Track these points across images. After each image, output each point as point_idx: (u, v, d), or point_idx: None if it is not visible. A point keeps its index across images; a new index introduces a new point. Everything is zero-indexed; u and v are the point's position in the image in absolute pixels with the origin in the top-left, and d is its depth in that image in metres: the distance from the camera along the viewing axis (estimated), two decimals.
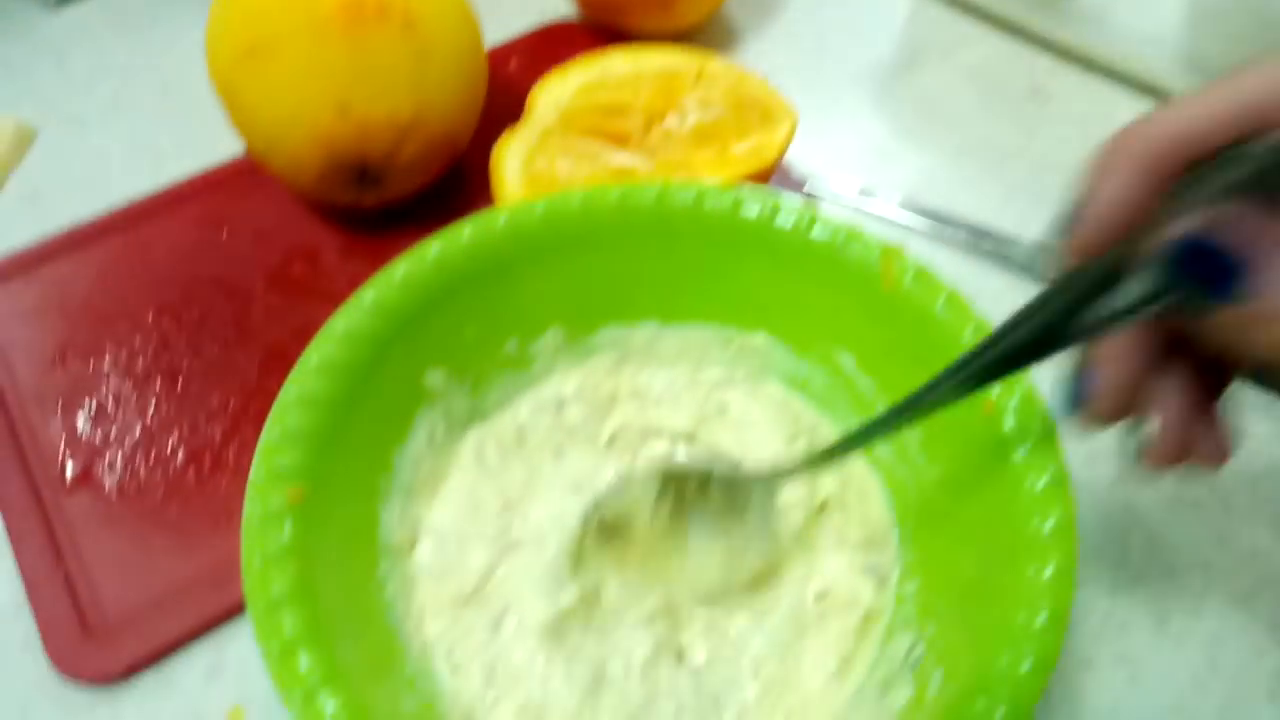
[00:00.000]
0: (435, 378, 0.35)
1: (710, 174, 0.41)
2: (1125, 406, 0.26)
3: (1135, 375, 0.25)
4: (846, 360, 0.36)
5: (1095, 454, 0.40)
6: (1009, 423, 0.30)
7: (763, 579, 0.34)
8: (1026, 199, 0.50)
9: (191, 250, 0.47)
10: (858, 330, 0.35)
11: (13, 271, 0.46)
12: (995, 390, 0.31)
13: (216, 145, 0.52)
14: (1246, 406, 0.33)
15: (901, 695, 0.30)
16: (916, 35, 0.59)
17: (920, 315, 0.33)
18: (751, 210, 0.35)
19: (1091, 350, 0.26)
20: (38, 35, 0.60)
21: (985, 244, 0.46)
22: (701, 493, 0.34)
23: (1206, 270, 0.21)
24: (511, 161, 0.42)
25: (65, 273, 0.46)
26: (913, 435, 0.34)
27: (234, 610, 0.36)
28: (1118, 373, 0.25)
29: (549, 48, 0.55)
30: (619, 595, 0.33)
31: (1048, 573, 0.27)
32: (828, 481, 0.36)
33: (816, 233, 0.34)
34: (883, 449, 0.36)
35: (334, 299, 0.44)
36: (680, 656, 0.32)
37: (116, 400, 0.41)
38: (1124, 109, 0.54)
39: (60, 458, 0.40)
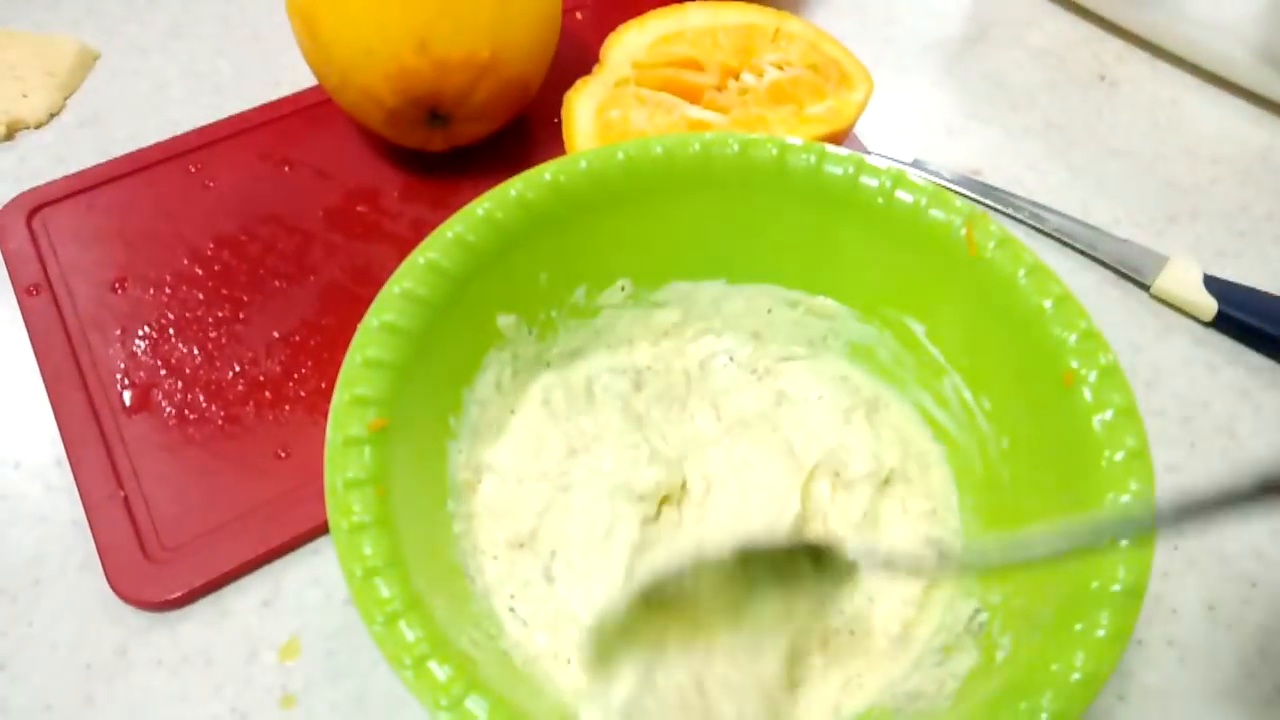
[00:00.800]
0: (507, 320, 0.35)
1: (785, 133, 0.41)
2: None
3: None
4: (917, 328, 0.36)
5: (1150, 438, 0.40)
6: (1087, 394, 0.30)
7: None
8: (1090, 183, 0.49)
9: (253, 184, 0.46)
10: (933, 297, 0.35)
11: (73, 193, 0.45)
12: (1074, 361, 0.30)
13: (276, 79, 0.52)
14: None
15: (965, 661, 0.30)
16: (986, 12, 0.58)
17: (1002, 283, 0.32)
18: (835, 169, 0.35)
19: None
20: None
21: (1047, 224, 0.46)
22: (775, 570, 0.30)
23: None
24: (584, 110, 0.42)
25: (125, 198, 0.46)
26: (981, 405, 0.34)
27: (291, 544, 0.36)
28: None
29: (617, 1, 0.55)
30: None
31: (1124, 542, 0.27)
32: (891, 454, 0.36)
33: (901, 194, 0.34)
34: (947, 419, 0.36)
35: (394, 240, 0.44)
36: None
37: (176, 329, 0.41)
38: (1192, 98, 0.54)
39: (119, 382, 0.39)
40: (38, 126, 0.49)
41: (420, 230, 0.32)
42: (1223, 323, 0.43)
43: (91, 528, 0.36)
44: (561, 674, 0.31)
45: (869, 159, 0.35)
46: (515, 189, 0.34)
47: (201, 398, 0.39)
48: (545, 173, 0.34)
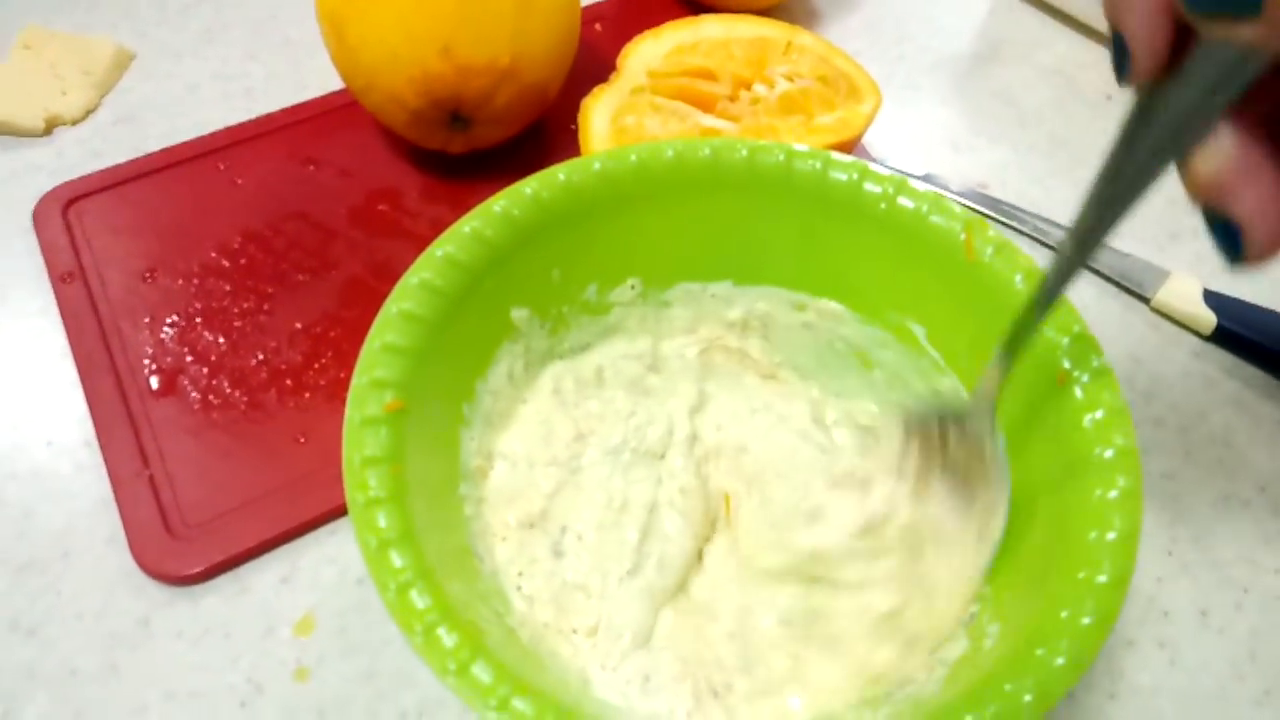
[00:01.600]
0: (520, 314, 0.36)
1: (794, 143, 0.42)
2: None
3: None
4: (919, 330, 0.37)
5: (1147, 448, 0.41)
6: (1078, 392, 0.31)
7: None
8: None
9: (279, 182, 0.48)
10: (933, 300, 0.36)
11: (107, 186, 0.47)
12: (1067, 362, 0.31)
13: (304, 82, 0.53)
14: None
15: (955, 649, 0.31)
16: (996, 31, 0.59)
17: (999, 287, 0.34)
18: (839, 175, 0.36)
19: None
20: None
21: (1052, 238, 0.47)
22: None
23: None
24: (600, 116, 0.43)
25: (156, 192, 0.47)
26: None
27: (308, 524, 0.37)
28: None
29: (634, 13, 0.56)
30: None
31: (1110, 536, 0.28)
32: None
33: (903, 200, 0.35)
34: None
35: (413, 238, 0.46)
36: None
37: (203, 318, 0.43)
38: None
39: (147, 368, 0.41)
40: (74, 123, 0.51)
41: (438, 229, 0.34)
42: (1221, 336, 0.44)
43: (118, 504, 0.37)
44: (566, 647, 0.32)
45: (872, 166, 0.36)
46: (530, 188, 0.35)
47: (226, 384, 0.41)
48: (560, 173, 0.36)
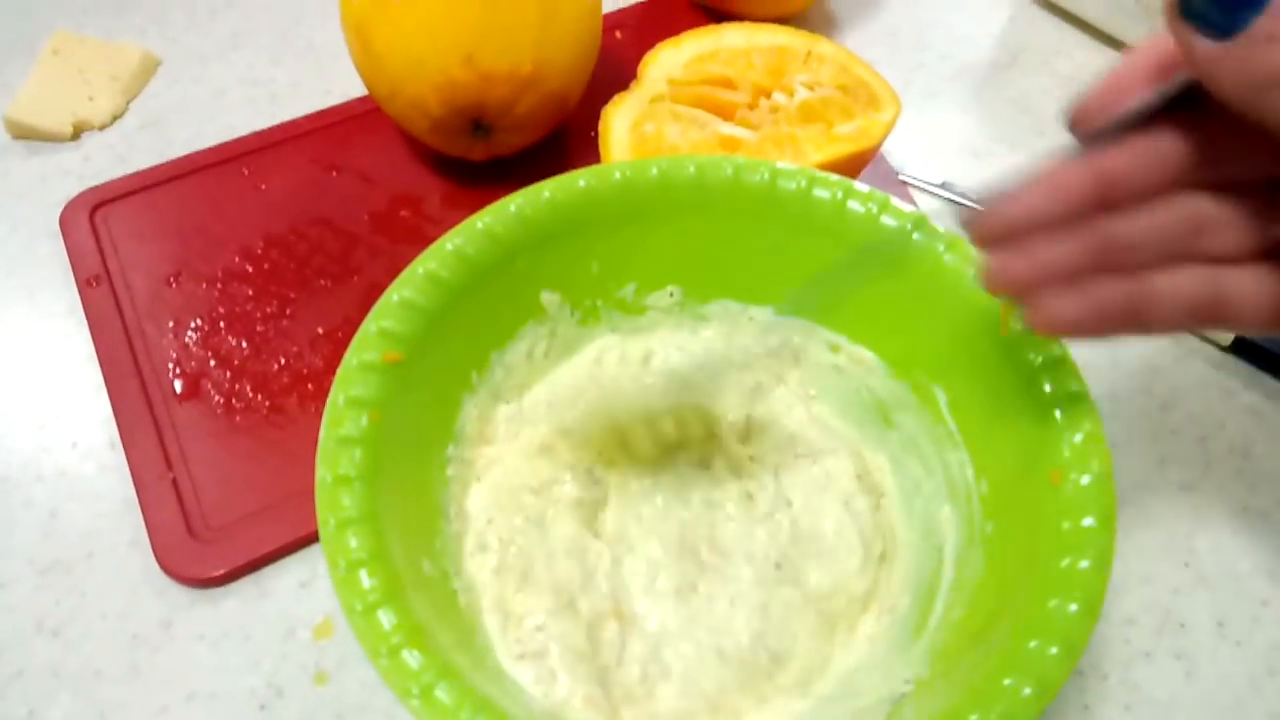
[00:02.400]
0: (551, 298, 0.37)
1: (814, 151, 0.42)
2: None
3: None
4: (941, 397, 0.36)
5: (1165, 458, 0.41)
6: (1058, 414, 0.31)
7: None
8: None
9: (302, 187, 0.49)
10: (959, 367, 0.35)
11: (133, 191, 0.48)
12: (1059, 412, 0.31)
13: (328, 88, 0.54)
14: None
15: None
16: (1015, 39, 0.59)
17: (1023, 370, 0.32)
18: (891, 220, 0.35)
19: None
20: None
21: None
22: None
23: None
24: (620, 124, 0.43)
25: (181, 197, 0.48)
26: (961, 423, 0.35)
27: None
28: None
29: (654, 22, 0.57)
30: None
31: (1083, 564, 0.28)
32: None
33: (948, 259, 0.34)
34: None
35: None
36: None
37: (227, 322, 0.43)
38: None
39: (171, 371, 0.42)
40: (101, 128, 0.52)
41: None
42: (1240, 347, 0.44)
43: (141, 507, 0.38)
44: (492, 613, 0.32)
45: (899, 205, 0.36)
46: (547, 191, 0.36)
47: (248, 388, 0.41)
48: (578, 180, 0.36)
